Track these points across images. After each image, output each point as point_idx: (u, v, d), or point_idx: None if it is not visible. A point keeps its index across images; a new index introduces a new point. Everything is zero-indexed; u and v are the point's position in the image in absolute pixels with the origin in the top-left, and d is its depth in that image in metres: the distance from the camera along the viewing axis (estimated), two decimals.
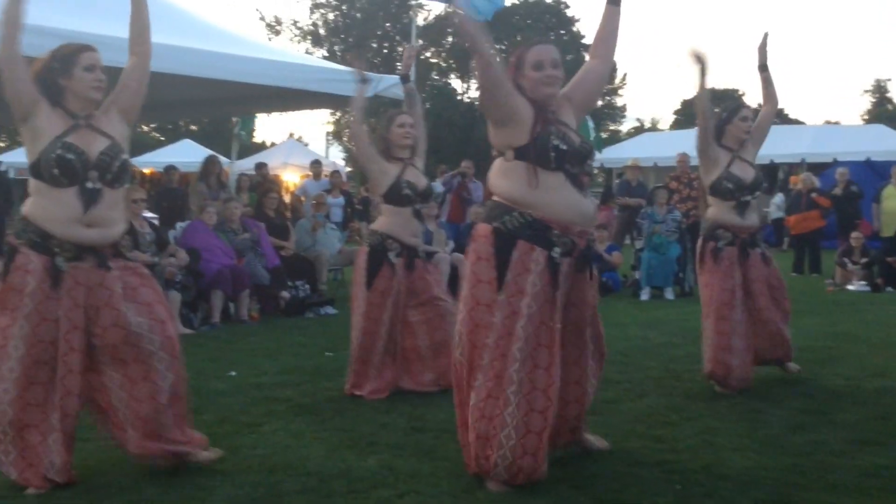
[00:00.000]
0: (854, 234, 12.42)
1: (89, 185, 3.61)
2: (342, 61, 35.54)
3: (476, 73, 3.72)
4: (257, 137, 43.46)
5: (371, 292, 5.43)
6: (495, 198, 3.79)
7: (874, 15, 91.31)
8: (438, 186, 12.83)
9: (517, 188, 3.68)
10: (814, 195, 13.89)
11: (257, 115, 16.63)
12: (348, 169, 35.29)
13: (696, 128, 5.59)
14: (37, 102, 3.61)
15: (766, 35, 5.67)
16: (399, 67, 5.62)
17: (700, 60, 5.37)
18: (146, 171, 24.90)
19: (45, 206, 3.63)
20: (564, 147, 3.66)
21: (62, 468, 3.67)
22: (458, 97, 48.55)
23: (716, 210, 5.62)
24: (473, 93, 49.77)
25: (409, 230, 5.49)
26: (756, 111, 5.86)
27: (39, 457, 3.64)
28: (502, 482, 3.60)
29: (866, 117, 50.84)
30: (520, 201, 3.67)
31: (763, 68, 5.67)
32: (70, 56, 3.73)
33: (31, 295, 3.57)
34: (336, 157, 39.51)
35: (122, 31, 7.28)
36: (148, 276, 3.88)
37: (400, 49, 44.67)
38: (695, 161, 15.61)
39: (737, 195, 5.51)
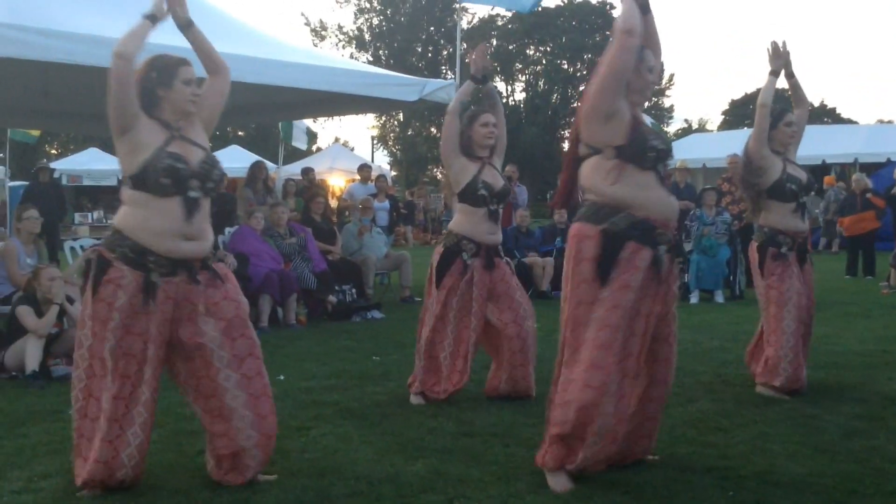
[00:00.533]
0: None
1: (192, 194, 3.67)
2: (387, 66, 35.72)
3: (612, 51, 3.69)
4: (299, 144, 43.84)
5: (439, 291, 5.39)
6: (594, 198, 3.80)
7: None
8: None
9: (623, 189, 3.71)
10: (869, 195, 13.64)
11: (309, 121, 16.74)
12: (394, 173, 35.46)
13: (754, 128, 5.56)
14: (138, 116, 3.65)
15: (775, 43, 5.50)
16: (471, 69, 5.46)
17: (780, 57, 5.40)
18: None
19: (145, 218, 3.64)
20: (662, 147, 3.78)
21: (133, 480, 3.76)
22: (504, 99, 48.47)
23: (774, 215, 5.58)
24: (518, 95, 49.74)
25: (484, 229, 5.39)
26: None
27: (112, 467, 3.68)
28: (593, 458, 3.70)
29: None
30: (627, 202, 3.71)
31: (790, 75, 5.63)
32: (170, 68, 3.78)
33: (120, 309, 3.60)
34: (381, 160, 39.69)
35: (177, 40, 7.47)
36: (231, 290, 3.88)
37: (445, 52, 44.78)
38: None
39: (799, 197, 5.53)
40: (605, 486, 3.74)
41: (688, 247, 11.20)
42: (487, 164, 5.45)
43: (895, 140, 21.36)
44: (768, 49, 5.49)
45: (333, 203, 16.94)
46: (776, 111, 5.63)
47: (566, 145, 4.53)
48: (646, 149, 3.71)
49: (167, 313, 3.68)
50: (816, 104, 54.25)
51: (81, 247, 8.81)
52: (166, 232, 3.63)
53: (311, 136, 16.99)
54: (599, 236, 3.69)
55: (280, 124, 14.56)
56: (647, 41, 3.95)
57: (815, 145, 22.24)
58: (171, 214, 3.62)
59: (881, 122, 45.73)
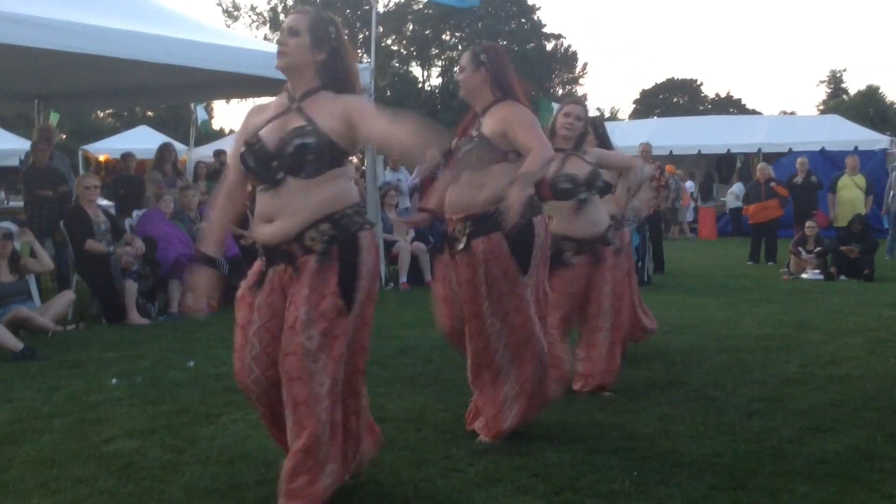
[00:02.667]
0: (808, 224, 12.62)
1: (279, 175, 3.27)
2: None
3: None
4: (216, 125, 43.02)
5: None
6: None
7: (829, 6, 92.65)
8: (393, 176, 12.80)
9: None
10: (773, 184, 14.08)
11: (212, 102, 16.43)
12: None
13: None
14: None
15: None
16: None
17: None
18: (101, 157, 24.57)
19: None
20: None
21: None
22: (419, 85, 48.44)
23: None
24: (434, 80, 49.74)
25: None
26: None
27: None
28: None
29: (821, 108, 51.62)
30: None
31: None
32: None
33: (238, 302, 3.39)
34: None
35: (50, 10, 7.25)
36: (318, 281, 3.22)
37: (361, 36, 44.49)
38: (656, 151, 15.67)
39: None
40: (513, 468, 3.79)
41: None
42: (571, 156, 5.19)
43: (797, 131, 22.08)
44: None
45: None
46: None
47: None
48: None
49: (275, 306, 3.30)
50: (723, 95, 55.74)
51: None
52: (256, 216, 3.35)
53: (205, 125, 16.70)
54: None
55: (197, 117, 14.21)
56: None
57: (721, 135, 22.90)
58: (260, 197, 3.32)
59: (784, 112, 47.21)
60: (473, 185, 4.17)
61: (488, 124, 4.19)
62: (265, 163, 3.24)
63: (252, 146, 3.28)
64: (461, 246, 4.19)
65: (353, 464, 3.49)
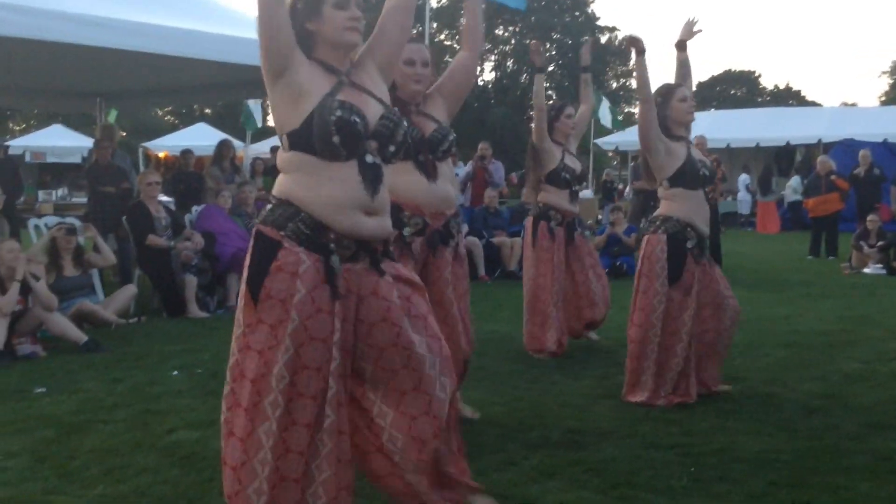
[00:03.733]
0: (871, 217, 12.35)
1: (368, 158, 2.82)
2: None
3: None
4: (271, 121, 43.37)
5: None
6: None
7: None
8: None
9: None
10: (833, 177, 13.81)
11: (268, 100, 16.56)
12: None
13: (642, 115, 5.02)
14: (293, 51, 2.80)
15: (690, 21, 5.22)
16: (535, 63, 6.21)
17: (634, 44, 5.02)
18: (161, 154, 25.01)
19: (320, 185, 2.76)
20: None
21: None
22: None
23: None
24: (488, 75, 49.65)
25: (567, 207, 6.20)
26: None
27: None
28: None
29: (884, 99, 50.39)
30: None
31: (682, 48, 5.21)
32: None
33: (299, 306, 2.72)
34: None
35: (111, 10, 7.38)
36: (418, 283, 3.03)
37: (414, 31, 44.54)
38: (713, 144, 15.44)
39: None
40: (569, 462, 3.79)
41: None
42: (566, 152, 6.21)
43: (857, 122, 21.63)
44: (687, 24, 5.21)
45: None
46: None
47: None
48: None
49: (349, 312, 2.82)
50: (782, 87, 54.74)
51: (46, 225, 8.70)
52: (349, 205, 2.78)
53: (262, 113, 16.83)
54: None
55: (244, 112, 14.36)
56: (470, 26, 4.27)
57: (780, 127, 22.53)
58: (351, 185, 2.77)
59: (845, 104, 46.21)
60: None
61: None
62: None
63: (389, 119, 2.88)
64: None
65: None
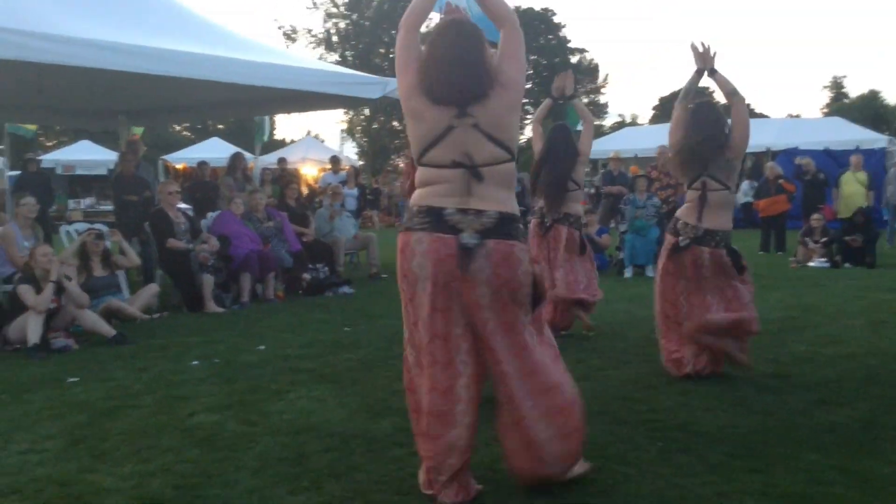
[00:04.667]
0: (815, 216, 12.41)
1: None
2: (353, 66, 35.37)
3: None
4: (278, 135, 43.37)
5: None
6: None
7: (832, 16, 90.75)
8: None
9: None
10: (781, 181, 13.87)
11: (275, 116, 16.52)
12: (361, 163, 35.20)
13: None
14: None
15: (699, 44, 5.17)
16: (553, 91, 6.28)
17: (704, 56, 5.10)
18: (179, 166, 24.93)
19: None
20: None
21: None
22: None
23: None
24: None
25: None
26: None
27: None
28: None
29: (825, 110, 50.60)
30: None
31: (713, 72, 5.13)
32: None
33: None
34: (350, 152, 39.40)
35: (137, 37, 7.38)
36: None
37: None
38: None
39: None
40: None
41: (622, 227, 11.34)
42: None
43: (803, 132, 21.70)
44: (693, 47, 5.17)
45: (306, 190, 16.84)
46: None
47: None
48: None
49: None
50: (724, 102, 54.89)
51: (76, 231, 8.68)
52: None
53: (270, 128, 16.86)
54: None
55: (257, 127, 14.34)
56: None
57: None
58: None
59: (790, 116, 46.39)
60: None
61: None
62: None
63: None
64: None
65: None
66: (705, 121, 4.95)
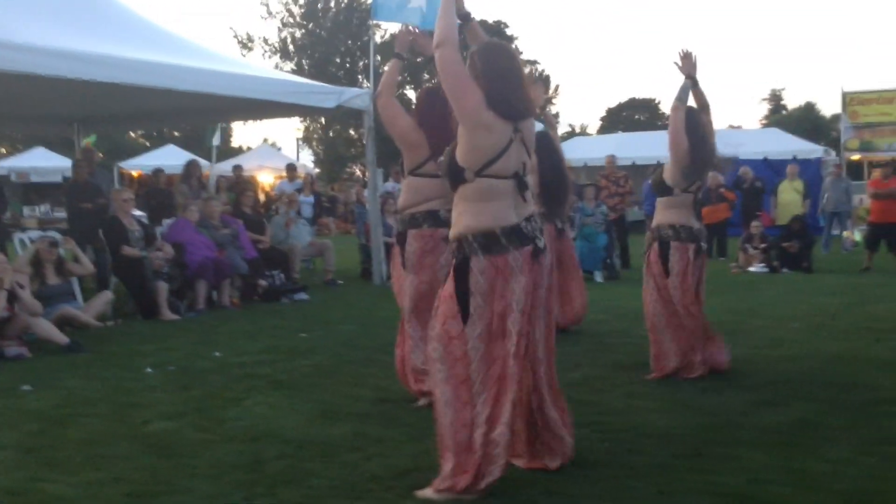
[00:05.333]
0: (754, 223, 12.66)
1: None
2: (309, 75, 35.17)
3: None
4: (235, 142, 42.91)
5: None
6: None
7: (770, 30, 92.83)
8: (392, 186, 12.82)
9: None
10: (722, 190, 14.12)
11: (232, 123, 16.36)
12: (317, 170, 34.98)
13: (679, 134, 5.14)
14: None
15: (686, 51, 5.21)
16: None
17: (690, 63, 5.14)
18: (135, 173, 24.50)
19: None
20: None
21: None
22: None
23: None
24: None
25: None
26: None
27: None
28: None
29: (764, 122, 51.70)
30: None
31: (695, 83, 5.20)
32: None
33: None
34: (306, 159, 39.12)
35: (92, 45, 7.25)
36: None
37: (361, 63, 44.38)
38: (621, 162, 15.71)
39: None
40: None
41: (572, 234, 11.42)
42: None
43: (742, 142, 22.14)
44: (680, 54, 5.18)
45: (263, 197, 16.68)
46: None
47: None
48: None
49: None
50: (669, 113, 55.79)
51: (30, 238, 8.48)
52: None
53: (220, 133, 16.66)
54: None
55: (206, 132, 14.18)
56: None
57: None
58: None
59: (731, 126, 47.28)
60: None
61: None
62: None
63: None
64: None
65: None
66: (707, 128, 5.18)
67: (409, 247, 4.49)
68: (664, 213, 5.27)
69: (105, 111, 11.20)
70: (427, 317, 4.46)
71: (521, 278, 3.17)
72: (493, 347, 3.19)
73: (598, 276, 10.96)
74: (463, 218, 3.21)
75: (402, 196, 4.65)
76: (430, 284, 4.42)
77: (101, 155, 11.57)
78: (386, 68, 4.86)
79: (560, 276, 6.41)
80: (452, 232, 3.25)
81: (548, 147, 6.30)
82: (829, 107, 50.05)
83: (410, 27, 4.97)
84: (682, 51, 5.20)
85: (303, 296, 9.37)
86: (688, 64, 5.16)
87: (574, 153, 22.87)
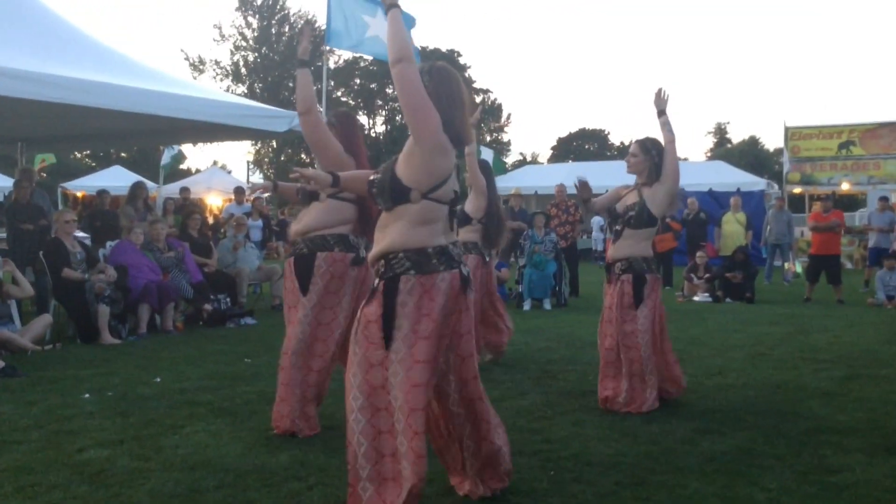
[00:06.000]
0: (699, 254, 12.90)
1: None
2: (262, 98, 34.97)
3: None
4: (184, 164, 42.27)
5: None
6: None
7: (716, 66, 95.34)
8: None
9: None
10: (668, 220, 14.37)
11: (182, 146, 16.21)
12: (267, 194, 34.79)
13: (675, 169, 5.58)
14: None
15: (660, 90, 5.39)
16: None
17: (662, 101, 5.34)
18: (79, 194, 24.01)
19: None
20: None
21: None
22: (366, 132, 48.34)
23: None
24: (379, 128, 49.83)
25: None
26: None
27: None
28: None
29: (709, 154, 52.90)
30: None
31: (662, 114, 5.36)
32: None
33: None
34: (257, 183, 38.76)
35: (38, 64, 7.13)
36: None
37: (315, 89, 44.34)
38: (571, 190, 15.99)
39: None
40: (439, 470, 3.76)
41: (521, 262, 11.50)
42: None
43: (688, 174, 22.47)
44: (656, 93, 5.36)
45: (211, 220, 16.47)
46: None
47: None
48: None
49: None
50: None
51: None
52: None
53: (178, 159, 16.48)
54: None
55: (169, 160, 13.96)
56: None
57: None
58: None
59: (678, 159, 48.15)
60: None
61: None
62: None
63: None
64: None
65: None
66: None
67: (318, 269, 4.37)
68: (638, 246, 5.25)
69: (51, 131, 10.97)
70: (321, 349, 4.43)
71: (444, 301, 3.13)
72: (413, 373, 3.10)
73: (547, 304, 11.04)
74: (390, 236, 3.15)
75: (310, 216, 4.50)
76: (333, 311, 4.38)
77: (43, 175, 11.29)
78: (298, 80, 4.55)
79: (488, 303, 6.63)
80: (377, 249, 3.18)
81: (489, 178, 6.64)
82: (773, 141, 51.46)
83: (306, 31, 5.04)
84: (657, 89, 5.43)
85: (249, 320, 9.24)
86: (659, 101, 5.35)
87: (525, 181, 23.16)
